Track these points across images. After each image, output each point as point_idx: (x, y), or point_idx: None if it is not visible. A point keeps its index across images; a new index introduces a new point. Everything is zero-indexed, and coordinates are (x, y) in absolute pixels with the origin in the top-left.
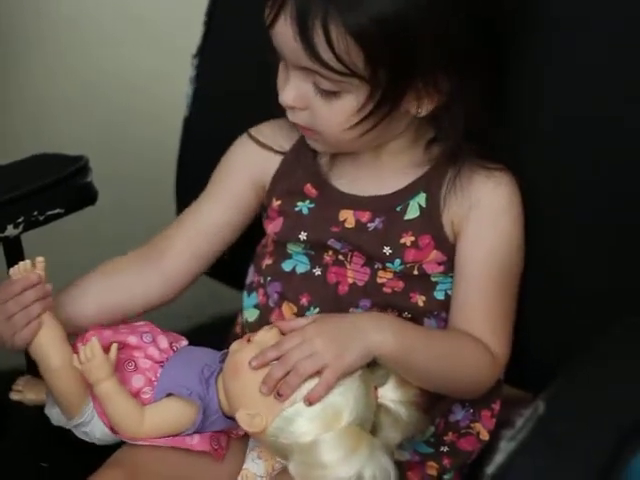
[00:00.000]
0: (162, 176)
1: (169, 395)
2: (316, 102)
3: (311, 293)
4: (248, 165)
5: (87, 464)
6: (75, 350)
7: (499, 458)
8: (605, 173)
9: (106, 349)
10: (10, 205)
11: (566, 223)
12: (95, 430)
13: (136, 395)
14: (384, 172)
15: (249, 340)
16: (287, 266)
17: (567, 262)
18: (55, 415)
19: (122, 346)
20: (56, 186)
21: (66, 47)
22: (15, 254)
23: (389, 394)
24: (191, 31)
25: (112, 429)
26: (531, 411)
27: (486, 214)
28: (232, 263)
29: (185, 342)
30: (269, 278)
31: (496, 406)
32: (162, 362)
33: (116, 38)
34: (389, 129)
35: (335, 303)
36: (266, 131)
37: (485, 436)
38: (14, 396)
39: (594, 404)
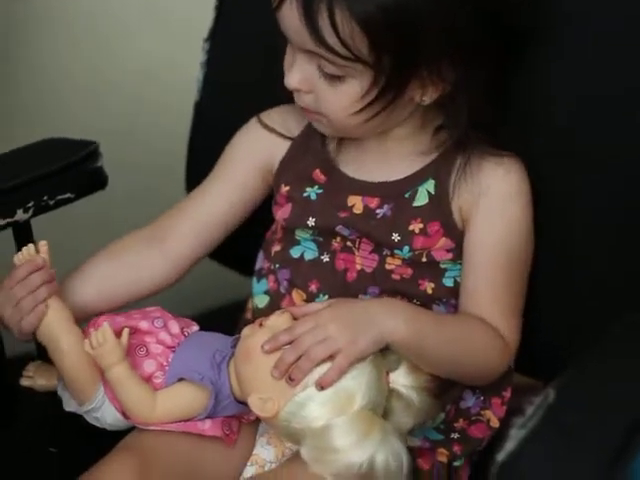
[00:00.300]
0: (173, 162)
1: (181, 380)
2: (321, 85)
3: (320, 280)
4: (255, 150)
5: (97, 449)
6: (86, 335)
7: (510, 445)
8: (618, 161)
9: (117, 334)
10: (20, 189)
11: (579, 206)
12: (106, 415)
13: (148, 380)
14: (391, 158)
15: (261, 324)
16: (295, 253)
17: (579, 246)
18: (66, 400)
19: (133, 331)
20: (66, 170)
21: (78, 32)
22: (25, 239)
23: (401, 379)
24: (204, 17)
25: (124, 414)
26: (541, 399)
27: (495, 201)
28: (241, 249)
29: (196, 327)
30: (278, 265)
31: (507, 394)
32: (173, 347)
33: (128, 24)
34: (393, 116)
35: (343, 290)
36: (275, 116)
37: (495, 423)
38: (25, 382)
39: (605, 394)
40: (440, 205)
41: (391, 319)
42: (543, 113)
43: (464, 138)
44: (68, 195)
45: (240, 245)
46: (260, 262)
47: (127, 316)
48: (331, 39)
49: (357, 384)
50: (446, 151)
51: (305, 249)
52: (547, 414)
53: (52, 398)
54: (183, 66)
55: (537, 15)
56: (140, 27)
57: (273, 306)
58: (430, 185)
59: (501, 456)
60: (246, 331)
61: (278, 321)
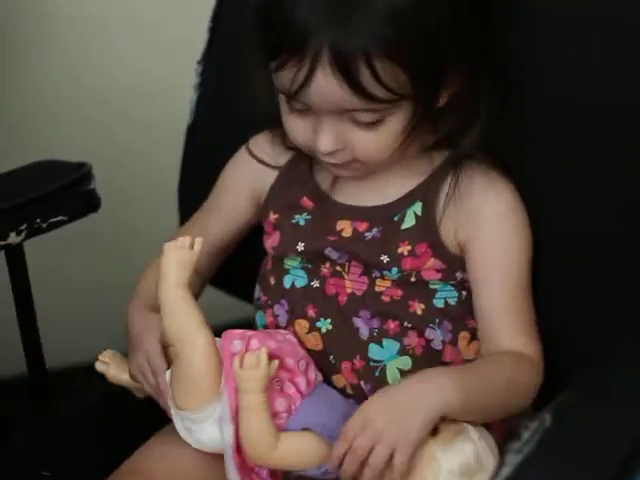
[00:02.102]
0: (165, 183)
1: (304, 429)
2: (357, 136)
3: (315, 304)
4: (246, 179)
5: (93, 474)
6: (226, 349)
7: (505, 471)
8: (618, 172)
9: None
10: (13, 212)
11: (576, 221)
12: (203, 433)
13: (273, 417)
14: (379, 182)
15: None
16: (287, 282)
17: (581, 266)
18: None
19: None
20: (59, 193)
21: (68, 51)
22: (17, 262)
23: None
24: (200, 38)
25: (237, 447)
26: (537, 424)
27: (489, 222)
28: (236, 275)
29: (320, 378)
30: (275, 298)
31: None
32: (304, 394)
33: (119, 43)
34: (419, 133)
35: (338, 314)
36: (263, 143)
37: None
38: (99, 366)
39: (601, 418)
40: (427, 226)
41: (438, 394)
42: (538, 121)
43: (456, 157)
44: (61, 218)
45: (235, 271)
46: (257, 292)
47: (277, 343)
48: (377, 90)
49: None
50: (435, 172)
51: (295, 277)
52: (543, 439)
53: (46, 418)
54: (177, 85)
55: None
56: (135, 47)
57: None
58: (418, 207)
59: None
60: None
61: None
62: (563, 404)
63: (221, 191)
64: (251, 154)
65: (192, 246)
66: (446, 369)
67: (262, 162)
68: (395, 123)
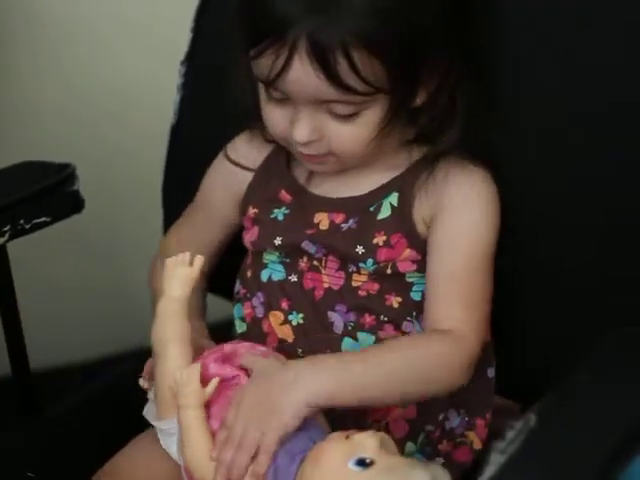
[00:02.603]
0: (153, 184)
1: None
2: (333, 127)
3: (289, 298)
4: (226, 183)
5: (76, 475)
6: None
7: (490, 470)
8: (605, 173)
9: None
10: None
11: (554, 224)
12: (172, 445)
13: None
14: (358, 174)
15: (347, 437)
16: (264, 276)
17: (559, 265)
18: (148, 408)
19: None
20: (43, 194)
21: (57, 52)
22: (1, 263)
23: None
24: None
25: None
26: (522, 424)
27: (457, 205)
28: (221, 274)
29: None
30: (252, 291)
31: (489, 415)
32: None
33: (110, 43)
34: (396, 128)
35: (312, 308)
36: (241, 147)
37: (478, 445)
38: (143, 383)
39: (585, 418)
40: (402, 216)
41: (313, 378)
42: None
43: (437, 152)
44: (44, 219)
45: (221, 270)
46: (237, 286)
47: (236, 362)
48: (353, 82)
49: None
50: (413, 165)
51: (272, 271)
52: (528, 439)
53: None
54: (165, 85)
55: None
56: (123, 47)
57: (251, 332)
58: (394, 198)
59: None
60: (332, 435)
61: (366, 441)
62: (548, 404)
63: (206, 195)
64: (229, 160)
65: (192, 263)
66: (324, 356)
67: (240, 166)
68: (371, 117)
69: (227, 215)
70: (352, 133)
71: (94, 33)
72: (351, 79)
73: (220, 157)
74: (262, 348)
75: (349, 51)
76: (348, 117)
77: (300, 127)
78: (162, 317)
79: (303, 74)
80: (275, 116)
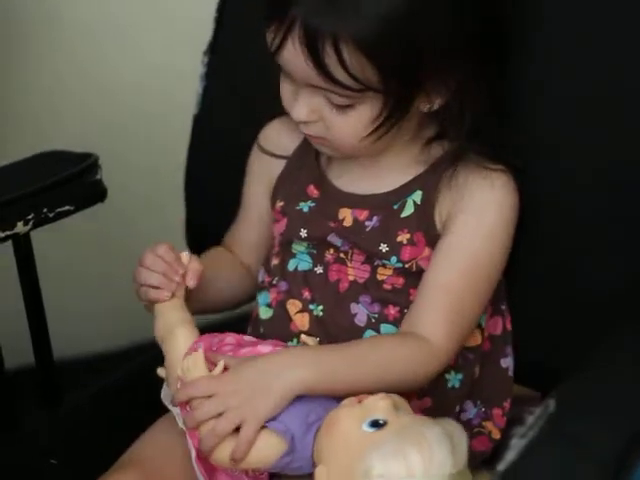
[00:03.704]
0: (171, 175)
1: (263, 427)
2: (330, 115)
3: (312, 289)
4: (261, 174)
5: (98, 462)
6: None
7: (510, 455)
8: (613, 176)
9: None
10: (20, 202)
11: (572, 218)
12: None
13: None
14: (382, 170)
15: (360, 400)
16: (291, 265)
17: (576, 259)
18: (165, 391)
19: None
20: (66, 183)
21: (75, 45)
22: (24, 251)
23: None
24: (206, 27)
25: (197, 450)
26: (542, 409)
27: (474, 207)
28: None
29: None
30: (277, 278)
31: (507, 404)
32: None
33: (127, 33)
34: (402, 130)
35: (335, 300)
36: (271, 135)
37: (497, 435)
38: (162, 373)
39: (605, 403)
40: (424, 215)
41: (293, 370)
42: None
43: (457, 150)
44: (67, 207)
45: None
46: (261, 276)
47: (235, 345)
48: (340, 75)
49: None
50: (436, 162)
51: (300, 261)
52: (548, 423)
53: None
54: (184, 76)
55: (530, 21)
56: (140, 37)
57: (276, 318)
58: (417, 196)
59: (502, 466)
60: (345, 401)
61: (378, 404)
62: (567, 390)
63: (248, 188)
64: (262, 150)
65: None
66: (305, 348)
67: (273, 155)
68: (364, 112)
69: (267, 210)
70: (346, 124)
71: (111, 25)
72: (338, 72)
73: (254, 150)
74: (252, 339)
75: (338, 44)
76: (342, 108)
77: (298, 106)
78: (161, 310)
79: (294, 57)
80: (285, 90)
